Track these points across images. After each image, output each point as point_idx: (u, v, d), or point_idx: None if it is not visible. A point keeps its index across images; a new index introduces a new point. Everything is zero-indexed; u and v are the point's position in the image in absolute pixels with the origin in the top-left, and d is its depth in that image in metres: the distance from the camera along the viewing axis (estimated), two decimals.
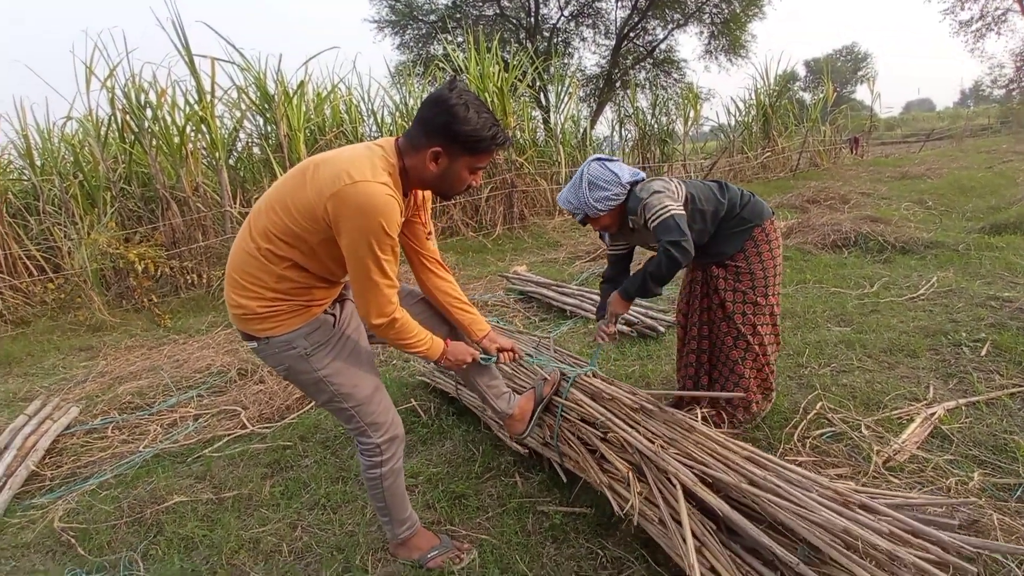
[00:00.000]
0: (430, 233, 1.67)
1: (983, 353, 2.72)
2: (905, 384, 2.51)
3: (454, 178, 1.41)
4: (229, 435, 2.74)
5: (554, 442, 1.91)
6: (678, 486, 1.47)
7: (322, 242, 1.35)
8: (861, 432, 2.16)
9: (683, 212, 1.88)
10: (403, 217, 1.43)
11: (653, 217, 1.85)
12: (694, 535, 1.39)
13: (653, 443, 1.61)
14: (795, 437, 2.16)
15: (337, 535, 1.92)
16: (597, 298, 4.08)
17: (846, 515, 1.27)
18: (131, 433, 2.91)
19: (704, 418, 1.83)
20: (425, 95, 8.51)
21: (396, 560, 1.76)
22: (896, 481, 1.86)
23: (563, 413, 1.90)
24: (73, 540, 2.02)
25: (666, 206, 1.84)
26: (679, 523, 1.41)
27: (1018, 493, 1.77)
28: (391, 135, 7.75)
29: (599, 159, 2.00)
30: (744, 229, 2.06)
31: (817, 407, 2.35)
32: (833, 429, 2.21)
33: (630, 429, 1.68)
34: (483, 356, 1.73)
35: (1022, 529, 1.59)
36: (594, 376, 1.98)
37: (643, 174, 2.02)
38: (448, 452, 2.37)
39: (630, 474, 1.61)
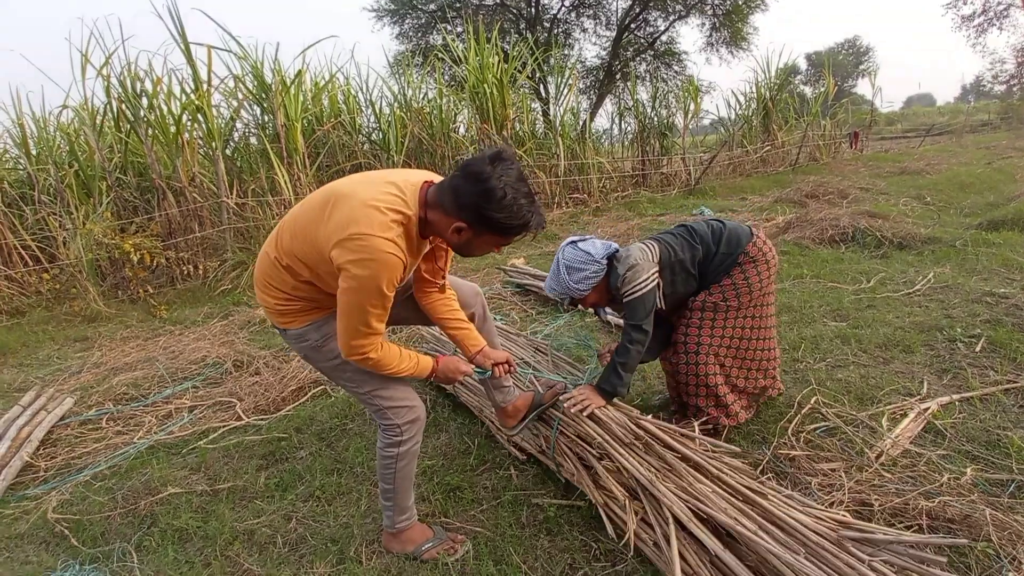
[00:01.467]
0: (443, 275, 1.65)
1: (978, 349, 2.72)
2: (900, 379, 2.52)
3: (475, 248, 1.41)
4: (224, 427, 2.74)
5: (551, 453, 1.92)
6: (670, 519, 1.47)
7: (333, 275, 1.35)
8: (855, 427, 2.16)
9: (654, 288, 1.95)
10: (414, 262, 1.43)
11: (628, 294, 1.95)
12: (688, 564, 1.40)
13: (649, 472, 1.61)
14: (789, 431, 2.16)
15: (332, 527, 1.92)
16: None
17: (838, 562, 1.27)
18: (126, 424, 2.90)
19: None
20: (424, 86, 8.32)
21: (390, 553, 1.76)
22: (889, 476, 1.87)
23: (560, 427, 1.91)
24: (67, 531, 2.02)
25: (640, 281, 1.93)
26: (669, 560, 1.41)
27: (1010, 489, 1.78)
28: (389, 127, 7.77)
29: (572, 242, 2.05)
30: (729, 263, 2.08)
31: (812, 401, 2.35)
32: (827, 424, 2.21)
33: (627, 455, 1.68)
34: (477, 370, 1.74)
35: (1014, 525, 1.59)
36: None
37: (615, 245, 2.05)
38: (443, 445, 2.37)
39: (627, 501, 1.61)
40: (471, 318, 1.83)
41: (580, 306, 2.11)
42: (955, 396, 2.32)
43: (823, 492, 1.81)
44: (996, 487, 1.80)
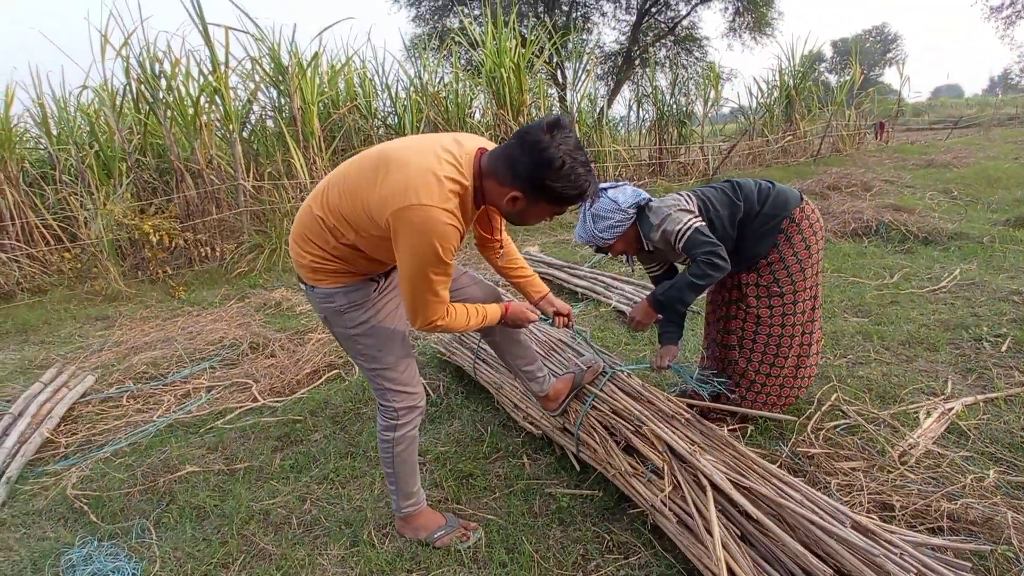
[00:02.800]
0: (500, 233, 1.67)
1: (1004, 349, 2.65)
2: (923, 378, 2.46)
3: (529, 216, 1.38)
4: (241, 407, 2.78)
5: (575, 429, 1.91)
6: (708, 488, 1.46)
7: (382, 239, 1.34)
8: (877, 425, 2.12)
9: (703, 223, 1.88)
10: (468, 229, 1.42)
11: (678, 238, 1.85)
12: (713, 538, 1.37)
13: (688, 446, 1.61)
14: (808, 428, 2.13)
15: (345, 510, 1.94)
16: (608, 280, 4.05)
17: (878, 547, 1.25)
18: (145, 403, 2.95)
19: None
20: (440, 70, 8.24)
21: (403, 537, 1.77)
22: (911, 476, 1.83)
23: (593, 403, 1.89)
24: (86, 507, 2.07)
25: (685, 223, 1.85)
26: (708, 525, 1.39)
27: None
28: (405, 111, 7.73)
29: (602, 189, 1.99)
30: (772, 226, 1.95)
31: (832, 399, 2.31)
32: (848, 421, 2.17)
33: (666, 428, 1.67)
34: (542, 317, 1.80)
35: None
36: (630, 377, 1.97)
37: (645, 194, 2.00)
38: (456, 432, 2.38)
39: (664, 465, 1.59)
40: None
41: (609, 253, 2.07)
42: (979, 396, 2.26)
43: (842, 492, 1.78)
44: (1018, 490, 1.76)
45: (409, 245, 1.27)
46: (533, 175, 1.26)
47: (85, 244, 5.63)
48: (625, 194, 1.98)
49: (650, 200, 1.99)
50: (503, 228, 1.67)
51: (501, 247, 1.70)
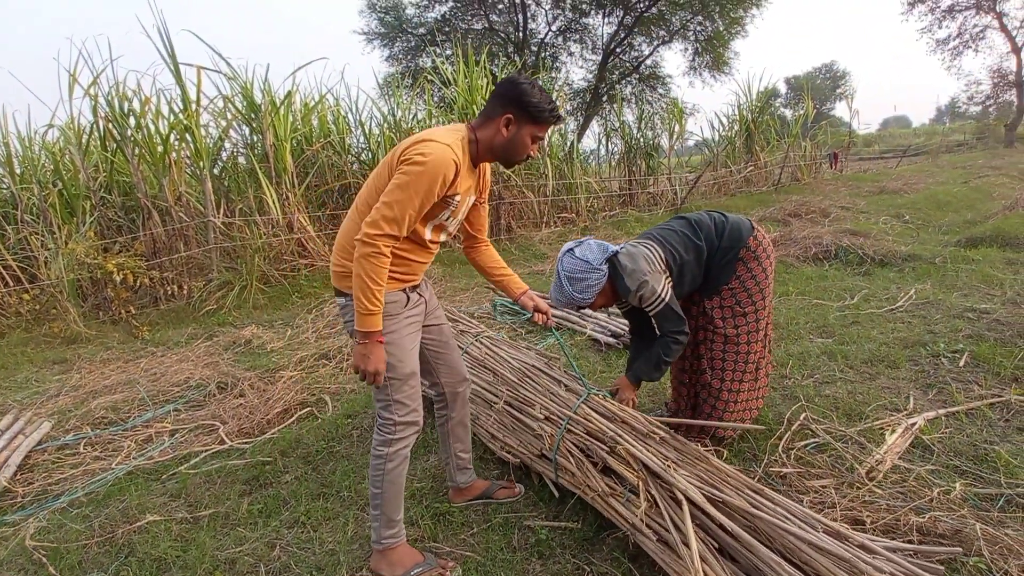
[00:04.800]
0: (485, 231, 1.92)
1: (962, 364, 2.76)
2: (886, 395, 2.54)
3: (519, 144, 1.62)
4: (206, 451, 2.67)
5: (552, 454, 1.90)
6: (684, 502, 1.46)
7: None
8: (844, 443, 2.17)
9: (672, 293, 1.98)
10: (466, 187, 1.62)
11: (650, 308, 1.98)
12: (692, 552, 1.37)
13: (663, 463, 1.62)
14: (780, 448, 2.16)
15: (317, 554, 1.87)
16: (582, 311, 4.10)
17: (850, 550, 1.27)
18: (104, 449, 2.82)
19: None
20: (413, 107, 8.43)
21: (371, 573, 1.71)
22: (880, 492, 1.87)
23: (568, 426, 1.89)
24: (44, 559, 1.94)
25: (659, 294, 1.95)
26: (685, 539, 1.40)
27: (1000, 503, 1.79)
28: (378, 147, 7.81)
29: (568, 250, 2.06)
30: (731, 257, 2.06)
31: (801, 418, 2.36)
32: (817, 440, 2.22)
33: (640, 447, 1.68)
34: (523, 313, 1.88)
35: (1005, 539, 1.60)
36: (605, 399, 1.99)
37: (611, 246, 2.05)
38: (432, 467, 2.33)
39: (639, 483, 1.59)
40: (451, 397, 1.95)
41: (590, 309, 2.13)
42: (941, 411, 2.34)
43: (815, 510, 1.80)
44: (985, 501, 1.81)
45: (408, 164, 1.47)
46: (514, 95, 1.57)
47: (44, 284, 5.44)
48: (592, 251, 2.01)
49: (618, 252, 2.02)
50: (486, 230, 1.93)
51: (485, 247, 1.94)
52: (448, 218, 1.63)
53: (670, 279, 1.99)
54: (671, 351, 2.00)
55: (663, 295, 1.95)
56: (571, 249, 2.05)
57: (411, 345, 1.66)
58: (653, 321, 2.05)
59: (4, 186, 6.70)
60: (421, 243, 1.65)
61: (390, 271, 1.57)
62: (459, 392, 1.94)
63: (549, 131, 1.67)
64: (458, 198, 1.60)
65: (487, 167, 1.77)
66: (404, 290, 1.66)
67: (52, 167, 6.57)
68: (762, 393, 2.24)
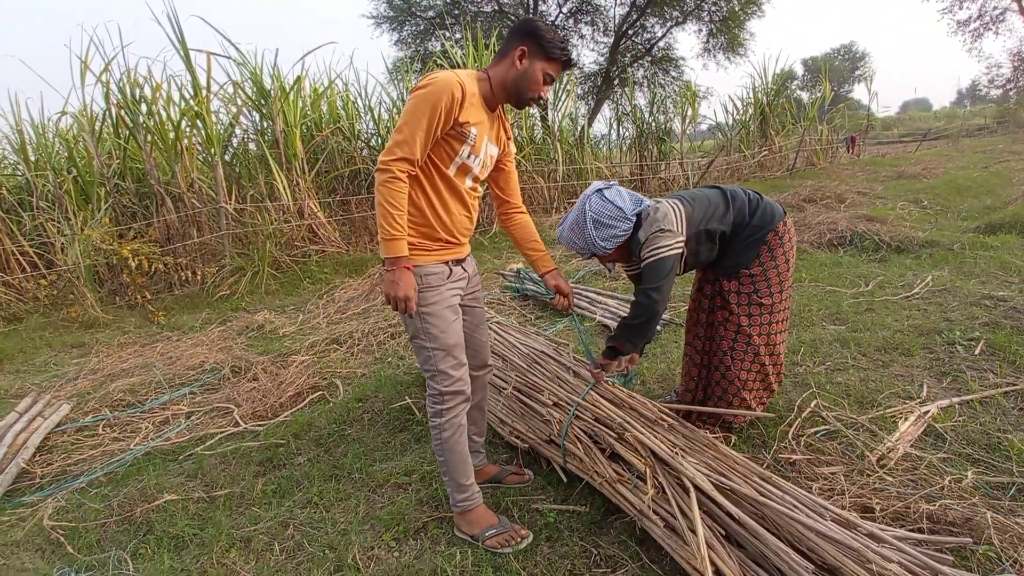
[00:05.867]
0: (516, 193, 1.91)
1: (977, 352, 2.72)
2: (899, 382, 2.51)
3: (531, 78, 1.61)
4: (221, 433, 2.73)
5: (561, 440, 1.90)
6: (692, 489, 1.47)
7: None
8: (856, 430, 2.16)
9: (676, 256, 1.85)
10: (481, 120, 1.62)
11: (646, 256, 1.85)
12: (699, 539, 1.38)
13: (670, 450, 1.62)
14: (790, 435, 2.15)
15: (329, 534, 1.91)
16: (592, 295, 4.08)
17: (857, 538, 1.27)
18: (122, 431, 2.89)
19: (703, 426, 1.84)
20: None
21: (457, 531, 1.80)
22: (890, 479, 1.86)
23: (576, 412, 1.90)
24: (63, 538, 2.01)
25: (658, 249, 1.82)
26: (692, 526, 1.40)
27: (1011, 492, 1.77)
28: (387, 132, 7.78)
29: (598, 190, 1.91)
30: (758, 237, 1.98)
31: (812, 405, 2.34)
32: (828, 427, 2.20)
33: (648, 433, 1.69)
34: (548, 292, 1.92)
35: (1016, 528, 1.58)
36: (613, 385, 1.99)
37: (647, 201, 1.91)
38: None
39: (647, 469, 1.60)
40: (472, 379, 1.86)
41: (598, 260, 2.00)
42: (955, 399, 2.31)
43: (824, 497, 1.79)
44: (997, 490, 1.79)
45: (418, 88, 1.51)
46: (528, 30, 1.60)
47: (62, 270, 5.53)
48: (623, 198, 1.87)
49: (648, 206, 1.91)
50: (518, 195, 1.92)
51: (520, 215, 1.93)
52: (470, 156, 1.63)
53: (683, 243, 1.88)
54: (636, 314, 1.84)
55: (665, 250, 1.82)
56: (601, 190, 1.90)
57: (453, 316, 1.69)
58: (642, 276, 1.89)
59: (19, 173, 6.80)
60: (450, 187, 1.65)
61: (434, 237, 1.64)
62: (480, 376, 1.95)
63: (561, 77, 1.67)
64: (474, 131, 1.59)
65: (505, 118, 1.77)
66: (448, 262, 1.69)
67: (66, 154, 6.65)
68: (777, 380, 2.19)
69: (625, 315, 1.94)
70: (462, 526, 1.81)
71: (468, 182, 1.70)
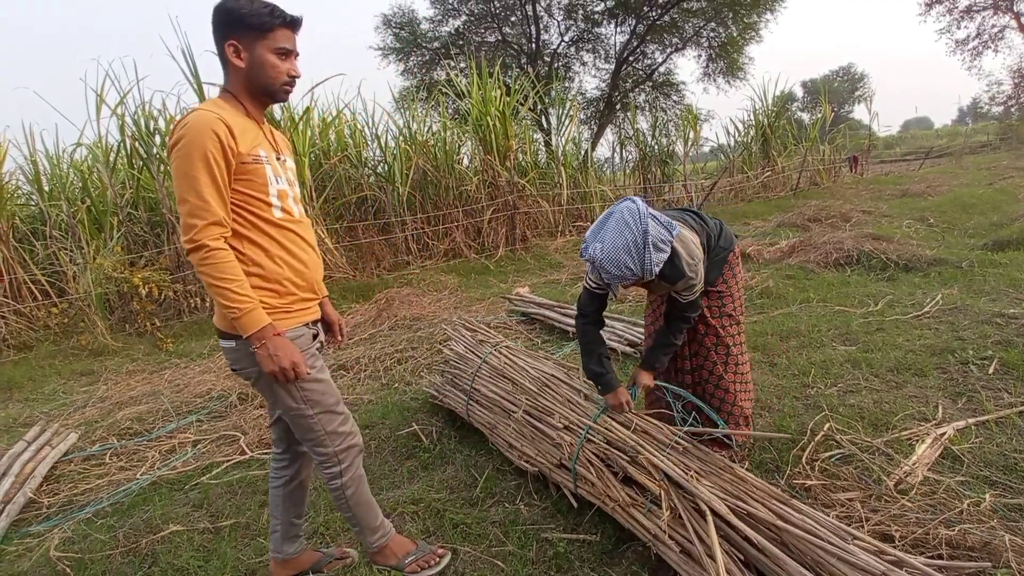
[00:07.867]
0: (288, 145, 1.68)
1: (991, 371, 2.68)
2: (913, 404, 2.47)
3: (264, 65, 1.42)
4: (228, 461, 2.71)
5: (572, 464, 1.88)
6: (708, 514, 1.44)
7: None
8: (871, 454, 2.12)
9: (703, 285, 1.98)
10: (256, 142, 1.45)
11: (689, 294, 1.93)
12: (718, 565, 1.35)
13: (685, 473, 1.60)
14: (803, 459, 2.11)
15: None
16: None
17: (883, 565, 1.24)
18: (129, 460, 2.88)
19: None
20: (428, 120, 8.54)
21: (376, 567, 1.76)
22: (909, 505, 1.82)
23: (588, 435, 1.88)
24: (68, 570, 1.98)
25: (694, 285, 1.91)
26: (710, 551, 1.38)
27: None
28: (394, 160, 7.93)
29: (653, 216, 1.78)
30: (722, 257, 2.11)
31: (825, 428, 2.30)
32: (842, 451, 2.16)
33: (662, 457, 1.67)
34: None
35: None
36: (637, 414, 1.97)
37: (676, 225, 1.86)
38: (450, 478, 2.33)
39: (662, 493, 1.58)
40: (301, 455, 1.73)
41: (622, 288, 1.89)
42: (971, 420, 2.27)
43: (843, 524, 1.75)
44: (1014, 512, 1.75)
45: (174, 145, 1.34)
46: (224, 20, 1.40)
47: (73, 298, 5.60)
48: (663, 224, 1.78)
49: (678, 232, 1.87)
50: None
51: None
52: (277, 179, 1.47)
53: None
54: (681, 333, 2.03)
55: (697, 286, 1.92)
56: (655, 215, 1.78)
57: (327, 375, 1.59)
58: (678, 304, 1.95)
59: (33, 203, 6.94)
60: (278, 224, 1.48)
61: (287, 292, 1.47)
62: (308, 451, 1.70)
63: (296, 39, 1.46)
64: (263, 152, 1.44)
65: (274, 130, 1.57)
66: (307, 324, 1.56)
67: (80, 184, 6.79)
68: (751, 397, 2.22)
69: (660, 335, 2.05)
70: (379, 560, 1.77)
71: (294, 207, 1.53)
